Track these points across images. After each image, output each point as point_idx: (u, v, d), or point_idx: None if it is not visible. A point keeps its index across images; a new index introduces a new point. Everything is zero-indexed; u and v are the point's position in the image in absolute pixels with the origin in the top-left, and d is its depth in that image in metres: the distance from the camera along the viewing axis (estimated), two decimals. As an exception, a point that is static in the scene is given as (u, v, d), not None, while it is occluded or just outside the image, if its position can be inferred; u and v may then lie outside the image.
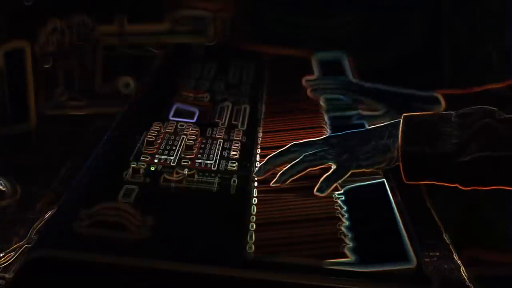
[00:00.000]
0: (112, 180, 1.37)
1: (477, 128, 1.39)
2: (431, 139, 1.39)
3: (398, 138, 1.42)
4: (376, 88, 1.89)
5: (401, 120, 1.43)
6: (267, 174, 1.45)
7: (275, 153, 1.47)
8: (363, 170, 1.44)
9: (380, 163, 1.44)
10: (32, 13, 2.33)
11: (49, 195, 1.73)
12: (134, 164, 1.42)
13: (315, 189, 1.39)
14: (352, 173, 1.44)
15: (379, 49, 2.85)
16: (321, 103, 1.91)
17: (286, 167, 1.44)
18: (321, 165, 1.43)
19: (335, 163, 1.43)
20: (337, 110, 1.87)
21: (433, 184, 1.42)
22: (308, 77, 1.98)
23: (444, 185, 1.41)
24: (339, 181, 1.41)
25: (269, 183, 1.43)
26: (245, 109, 1.82)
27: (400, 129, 1.42)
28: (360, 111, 1.86)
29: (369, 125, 1.79)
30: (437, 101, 1.84)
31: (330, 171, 1.42)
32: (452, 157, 1.38)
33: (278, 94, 2.00)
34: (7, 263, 1.32)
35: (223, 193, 1.37)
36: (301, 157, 1.44)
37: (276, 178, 1.43)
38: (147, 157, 1.47)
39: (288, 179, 1.43)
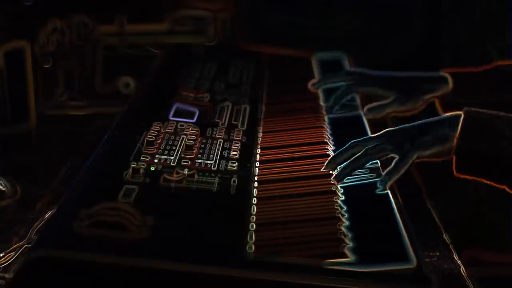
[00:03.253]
0: (112, 180, 1.37)
1: None
2: (489, 139, 1.40)
3: (457, 129, 1.42)
4: (382, 76, 1.88)
5: (462, 114, 1.44)
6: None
7: (336, 153, 1.49)
8: (425, 159, 1.45)
9: (440, 152, 1.45)
10: (32, 13, 2.33)
11: (49, 195, 1.73)
12: (134, 164, 1.42)
13: (378, 183, 1.41)
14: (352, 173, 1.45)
15: (379, 49, 2.85)
16: (321, 102, 1.91)
17: (348, 161, 1.46)
18: (383, 157, 1.45)
19: (396, 153, 1.44)
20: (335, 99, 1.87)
21: (479, 181, 1.44)
22: (312, 81, 1.97)
23: (491, 184, 1.43)
24: (401, 173, 1.42)
25: (269, 183, 1.43)
26: (245, 109, 1.82)
27: (460, 122, 1.42)
28: (367, 107, 1.85)
29: (380, 115, 1.80)
30: (444, 80, 1.83)
31: (392, 165, 1.43)
32: (507, 160, 1.39)
33: (278, 94, 2.00)
34: (7, 263, 1.32)
35: (223, 193, 1.37)
36: (363, 150, 1.45)
37: (338, 172, 1.45)
38: (147, 157, 1.47)
39: (351, 173, 1.44)
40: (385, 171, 1.43)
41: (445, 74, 1.84)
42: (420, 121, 1.50)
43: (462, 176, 1.44)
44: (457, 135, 1.42)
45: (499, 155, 1.39)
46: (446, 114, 1.48)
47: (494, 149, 1.39)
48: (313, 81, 1.98)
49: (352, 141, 1.50)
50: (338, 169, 1.47)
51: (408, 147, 1.44)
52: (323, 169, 1.47)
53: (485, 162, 1.41)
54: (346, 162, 1.46)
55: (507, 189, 1.41)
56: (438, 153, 1.45)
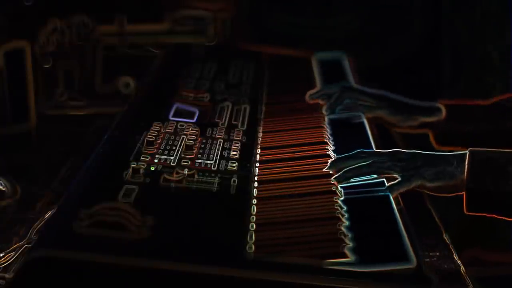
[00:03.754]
0: (112, 180, 1.37)
1: None
2: (496, 178, 1.42)
3: (463, 169, 1.44)
4: (377, 93, 1.89)
5: (467, 155, 1.45)
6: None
7: (342, 156, 1.50)
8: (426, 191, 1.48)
9: (443, 187, 1.46)
10: (32, 13, 2.33)
11: (49, 195, 1.73)
12: (134, 164, 1.42)
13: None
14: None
15: (379, 49, 2.85)
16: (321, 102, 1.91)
17: (353, 166, 1.46)
18: (387, 174, 1.46)
19: (400, 176, 1.45)
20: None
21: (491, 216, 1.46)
22: (311, 92, 1.96)
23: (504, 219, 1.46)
24: (400, 191, 1.43)
25: (269, 183, 1.43)
26: (245, 109, 1.82)
27: (466, 164, 1.44)
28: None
29: (367, 115, 1.80)
30: (437, 109, 1.85)
31: (395, 181, 1.44)
32: None
33: (278, 94, 2.00)
34: (7, 263, 1.32)
35: (223, 193, 1.37)
36: (370, 161, 1.46)
37: (340, 174, 1.45)
38: (147, 157, 1.47)
39: (351, 178, 1.45)
40: (387, 186, 1.43)
41: (439, 105, 1.86)
42: (431, 153, 1.50)
43: (473, 214, 1.46)
44: (464, 176, 1.43)
45: (506, 192, 1.41)
46: (452, 153, 1.49)
47: (501, 187, 1.42)
48: (312, 92, 1.96)
49: (360, 150, 1.50)
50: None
51: (413, 173, 1.45)
52: (326, 169, 1.47)
53: (494, 201, 1.43)
54: (350, 167, 1.46)
55: None
56: (441, 188, 1.46)
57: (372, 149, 1.62)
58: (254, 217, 1.31)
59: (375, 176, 1.45)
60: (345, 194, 1.40)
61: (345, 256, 1.19)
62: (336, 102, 1.86)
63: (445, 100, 1.89)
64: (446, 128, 1.85)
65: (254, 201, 1.37)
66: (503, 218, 1.45)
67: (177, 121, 1.67)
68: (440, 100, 1.88)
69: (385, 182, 1.44)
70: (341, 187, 1.42)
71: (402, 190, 1.44)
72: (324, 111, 1.85)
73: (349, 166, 1.47)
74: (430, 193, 1.49)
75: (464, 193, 1.44)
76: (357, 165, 1.47)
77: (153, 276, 1.13)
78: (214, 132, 1.64)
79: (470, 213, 1.45)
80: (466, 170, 1.43)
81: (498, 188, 1.42)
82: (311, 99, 1.92)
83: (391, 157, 1.48)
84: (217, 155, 1.52)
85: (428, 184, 1.45)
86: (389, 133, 1.91)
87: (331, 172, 1.47)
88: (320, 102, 1.90)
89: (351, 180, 1.45)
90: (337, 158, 1.51)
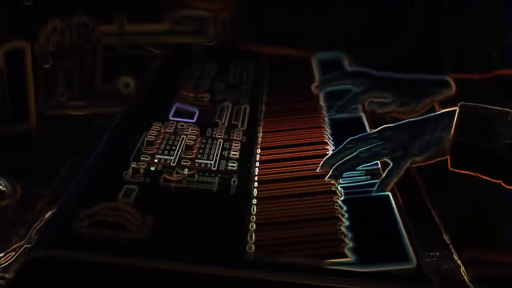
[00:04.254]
0: (112, 180, 1.37)
1: None
2: (484, 134, 1.41)
3: (451, 129, 1.43)
4: (386, 78, 1.88)
5: (457, 109, 1.44)
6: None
7: (331, 154, 1.49)
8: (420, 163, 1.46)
9: (433, 156, 1.45)
10: (32, 13, 2.33)
11: (49, 195, 1.73)
12: (134, 164, 1.42)
13: (375, 189, 1.41)
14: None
15: (379, 49, 2.85)
16: (321, 102, 1.90)
17: (340, 162, 1.46)
18: (375, 161, 1.46)
19: (389, 159, 1.44)
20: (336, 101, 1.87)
21: (475, 175, 1.44)
22: (316, 84, 1.96)
23: (486, 178, 1.43)
24: (395, 180, 1.43)
25: (269, 183, 1.43)
26: (245, 109, 1.82)
27: (456, 117, 1.43)
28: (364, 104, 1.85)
29: (379, 111, 1.80)
30: (447, 85, 1.83)
31: (385, 172, 1.43)
32: (501, 156, 1.39)
33: (278, 94, 2.00)
34: (7, 263, 1.32)
35: (223, 193, 1.37)
36: (356, 152, 1.46)
37: (330, 173, 1.45)
38: (147, 157, 1.47)
39: (341, 174, 1.44)
40: (380, 179, 1.43)
41: (448, 78, 1.85)
42: (418, 120, 1.49)
43: (457, 170, 1.44)
44: (452, 130, 1.42)
45: (493, 149, 1.40)
46: (441, 111, 1.49)
47: (488, 143, 1.40)
48: (317, 83, 1.96)
49: (349, 139, 1.50)
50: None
51: (401, 153, 1.44)
52: (319, 170, 1.47)
53: (479, 156, 1.41)
54: (339, 163, 1.46)
55: (502, 183, 1.42)
56: (432, 156, 1.45)
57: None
58: (254, 217, 1.31)
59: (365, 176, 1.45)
60: (345, 194, 1.40)
61: (345, 256, 1.19)
62: (349, 104, 1.86)
63: (451, 74, 1.88)
64: (453, 104, 1.83)
65: (254, 201, 1.37)
66: (485, 177, 1.43)
67: (177, 121, 1.67)
68: (449, 74, 1.87)
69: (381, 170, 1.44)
70: (340, 187, 1.42)
71: (395, 179, 1.43)
72: (324, 109, 1.85)
73: (338, 161, 1.47)
74: (425, 162, 1.47)
75: (450, 147, 1.42)
76: (344, 159, 1.46)
77: (153, 276, 1.13)
78: (214, 132, 1.64)
79: (454, 169, 1.43)
80: (454, 123, 1.42)
81: (484, 143, 1.40)
82: (317, 91, 1.91)
83: (378, 139, 1.47)
84: (217, 155, 1.52)
85: (418, 159, 1.45)
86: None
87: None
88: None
89: (349, 176, 1.44)
90: (327, 157, 1.49)
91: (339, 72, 1.97)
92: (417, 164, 1.47)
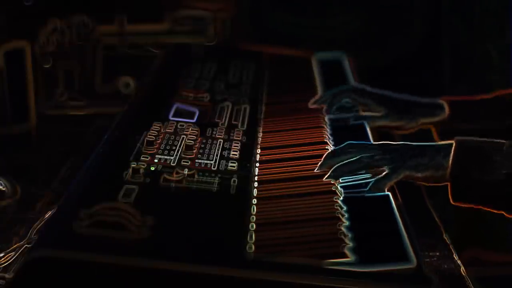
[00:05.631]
0: (112, 180, 1.37)
1: None
2: (481, 167, 1.42)
3: (449, 158, 1.44)
4: (378, 93, 1.88)
5: (454, 143, 1.45)
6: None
7: (329, 152, 1.50)
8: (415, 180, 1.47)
9: (430, 177, 1.46)
10: (32, 13, 2.33)
11: (49, 195, 1.73)
12: (134, 164, 1.42)
13: (368, 188, 1.42)
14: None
15: (379, 49, 2.85)
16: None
17: (341, 164, 1.46)
18: (375, 167, 1.46)
19: (389, 168, 1.45)
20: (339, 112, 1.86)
21: (477, 207, 1.45)
22: (313, 100, 1.94)
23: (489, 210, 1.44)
24: (389, 185, 1.43)
25: (269, 183, 1.43)
26: (245, 109, 1.82)
27: (452, 152, 1.44)
28: (360, 112, 1.85)
29: (370, 125, 1.80)
30: (440, 108, 1.84)
31: (383, 174, 1.44)
32: (500, 186, 1.40)
33: (278, 94, 2.00)
34: (7, 263, 1.32)
35: (223, 193, 1.37)
36: (358, 157, 1.46)
37: (329, 173, 1.45)
38: (147, 157, 1.47)
39: (341, 176, 1.45)
40: (375, 179, 1.43)
41: (441, 101, 1.85)
42: (420, 144, 1.50)
43: (459, 204, 1.45)
44: (449, 164, 1.43)
45: (492, 180, 1.41)
46: (441, 142, 1.50)
47: (487, 175, 1.41)
48: (314, 100, 1.95)
49: (348, 143, 1.50)
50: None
51: (401, 164, 1.45)
52: (317, 170, 1.47)
53: (479, 189, 1.43)
54: (339, 164, 1.46)
55: (505, 214, 1.43)
56: (429, 178, 1.46)
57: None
58: (254, 217, 1.31)
59: (366, 174, 1.45)
60: (344, 193, 1.40)
61: (345, 256, 1.19)
62: (333, 102, 1.86)
63: (446, 96, 1.88)
64: (449, 126, 1.84)
65: (254, 201, 1.37)
66: (489, 210, 1.44)
67: (177, 121, 1.67)
68: (442, 97, 1.87)
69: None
70: (340, 187, 1.42)
71: (391, 183, 1.43)
72: (324, 109, 1.85)
73: (338, 163, 1.47)
74: (420, 183, 1.48)
75: (449, 183, 1.44)
76: (346, 161, 1.46)
77: (153, 276, 1.13)
78: (214, 132, 1.64)
79: (457, 203, 1.45)
80: (451, 159, 1.43)
81: (482, 177, 1.41)
82: (315, 104, 1.91)
83: (379, 150, 1.48)
84: (217, 155, 1.52)
85: (416, 175, 1.45)
86: (389, 134, 1.91)
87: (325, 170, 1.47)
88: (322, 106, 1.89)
89: (344, 177, 1.44)
90: (325, 155, 1.50)
91: (336, 90, 1.95)
92: (415, 180, 1.47)
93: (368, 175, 1.45)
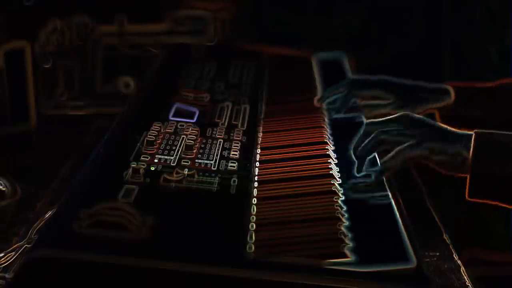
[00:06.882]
0: (112, 180, 1.37)
1: None
2: (503, 161, 1.39)
3: (469, 150, 1.41)
4: (382, 80, 1.87)
5: (473, 136, 1.42)
6: None
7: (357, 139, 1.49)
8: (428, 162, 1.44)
9: (448, 164, 1.43)
10: (32, 13, 2.33)
11: (49, 195, 1.73)
12: (134, 164, 1.42)
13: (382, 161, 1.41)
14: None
15: (379, 49, 2.85)
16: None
17: (361, 146, 1.46)
18: (392, 143, 1.43)
19: (406, 144, 1.42)
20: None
21: (494, 204, 1.43)
22: (317, 97, 1.93)
23: (506, 206, 1.42)
24: (399, 164, 1.41)
25: (269, 183, 1.43)
26: (245, 109, 1.82)
27: (472, 146, 1.40)
28: (359, 102, 1.84)
29: (373, 112, 1.80)
30: (446, 93, 1.82)
31: (393, 152, 1.42)
32: None
33: (278, 94, 2.00)
34: (7, 263, 1.32)
35: (223, 193, 1.37)
36: (375, 133, 1.45)
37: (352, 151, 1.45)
38: (147, 157, 1.47)
39: (362, 157, 1.45)
40: (384, 159, 1.42)
41: (447, 86, 1.83)
42: (441, 126, 1.47)
43: (475, 200, 1.42)
44: (470, 157, 1.40)
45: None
46: (460, 131, 1.45)
47: (508, 170, 1.38)
48: (318, 97, 1.94)
49: (368, 121, 1.49)
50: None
51: (421, 140, 1.42)
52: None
53: (498, 184, 1.40)
54: (358, 147, 1.46)
55: None
56: (446, 164, 1.43)
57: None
58: (254, 217, 1.31)
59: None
60: (345, 195, 1.39)
61: (345, 256, 1.19)
62: (343, 104, 1.85)
63: (451, 82, 1.87)
64: (453, 112, 1.82)
65: (254, 201, 1.37)
66: (505, 205, 1.41)
67: (177, 121, 1.67)
68: (448, 82, 1.86)
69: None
70: (343, 190, 1.41)
71: (411, 154, 1.41)
72: (327, 114, 1.85)
73: (358, 146, 1.47)
74: (435, 166, 1.45)
75: (468, 176, 1.40)
76: (363, 144, 1.45)
77: (153, 276, 1.13)
78: (214, 132, 1.64)
79: (473, 199, 1.42)
80: (472, 152, 1.40)
81: (504, 171, 1.38)
82: (319, 103, 1.90)
83: (399, 122, 1.45)
84: (217, 155, 1.52)
85: (435, 157, 1.42)
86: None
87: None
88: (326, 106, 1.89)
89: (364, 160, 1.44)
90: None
91: (337, 85, 1.94)
92: (431, 164, 1.44)
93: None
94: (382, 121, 1.49)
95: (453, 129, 1.47)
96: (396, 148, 1.42)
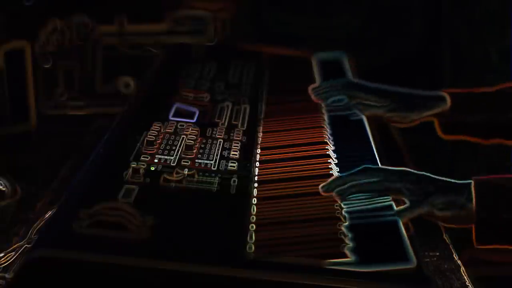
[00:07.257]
0: (112, 180, 1.37)
1: None
2: (506, 204, 1.37)
3: (473, 203, 1.37)
4: (379, 87, 1.87)
5: (472, 184, 1.38)
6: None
7: (347, 173, 1.42)
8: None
9: (452, 218, 1.40)
10: (32, 13, 2.33)
11: (49, 195, 1.73)
12: (134, 164, 1.42)
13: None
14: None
15: (379, 49, 2.85)
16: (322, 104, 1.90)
17: (362, 181, 1.39)
18: (394, 194, 1.39)
19: (409, 200, 1.38)
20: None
21: (503, 248, 1.42)
22: (313, 86, 1.95)
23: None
24: (408, 218, 1.36)
25: (269, 183, 1.43)
26: (245, 109, 1.82)
27: (473, 193, 1.37)
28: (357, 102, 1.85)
29: (364, 112, 1.79)
30: (441, 99, 1.82)
31: (404, 206, 1.37)
32: None
33: (278, 94, 2.00)
34: (7, 263, 1.32)
35: (223, 193, 1.37)
36: (380, 178, 1.39)
37: (345, 187, 1.38)
38: (147, 157, 1.47)
39: (357, 193, 1.38)
40: (397, 209, 1.37)
41: (443, 93, 1.83)
42: (441, 179, 1.42)
43: (483, 247, 1.41)
44: (473, 206, 1.37)
45: None
46: (458, 181, 1.41)
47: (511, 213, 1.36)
48: (313, 86, 1.94)
49: (366, 166, 1.43)
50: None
51: (422, 199, 1.38)
52: (322, 190, 1.40)
53: (506, 229, 1.38)
54: (357, 182, 1.39)
55: None
56: (451, 218, 1.40)
57: (373, 150, 1.61)
58: (254, 217, 1.31)
59: (377, 196, 1.40)
60: (351, 219, 1.33)
61: (345, 256, 1.19)
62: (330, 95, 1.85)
63: (448, 88, 1.87)
64: (451, 118, 1.81)
65: (254, 201, 1.37)
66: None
67: (177, 121, 1.67)
68: (444, 89, 1.86)
69: (394, 206, 1.37)
70: (346, 211, 1.35)
71: (411, 216, 1.36)
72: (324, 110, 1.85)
73: (354, 181, 1.40)
74: (439, 222, 1.42)
75: (473, 225, 1.37)
76: (366, 180, 1.39)
77: (153, 276, 1.13)
78: (214, 132, 1.64)
79: (480, 247, 1.40)
80: (474, 201, 1.37)
81: (509, 215, 1.36)
82: (313, 93, 1.90)
83: (401, 178, 1.40)
84: (217, 155, 1.52)
85: (437, 213, 1.38)
86: (389, 133, 1.91)
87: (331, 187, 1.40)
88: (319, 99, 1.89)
89: (356, 196, 1.39)
90: (340, 176, 1.43)
91: (334, 82, 1.94)
92: (434, 219, 1.40)
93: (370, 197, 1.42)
94: (385, 169, 1.44)
95: (455, 181, 1.42)
96: (399, 209, 1.37)
